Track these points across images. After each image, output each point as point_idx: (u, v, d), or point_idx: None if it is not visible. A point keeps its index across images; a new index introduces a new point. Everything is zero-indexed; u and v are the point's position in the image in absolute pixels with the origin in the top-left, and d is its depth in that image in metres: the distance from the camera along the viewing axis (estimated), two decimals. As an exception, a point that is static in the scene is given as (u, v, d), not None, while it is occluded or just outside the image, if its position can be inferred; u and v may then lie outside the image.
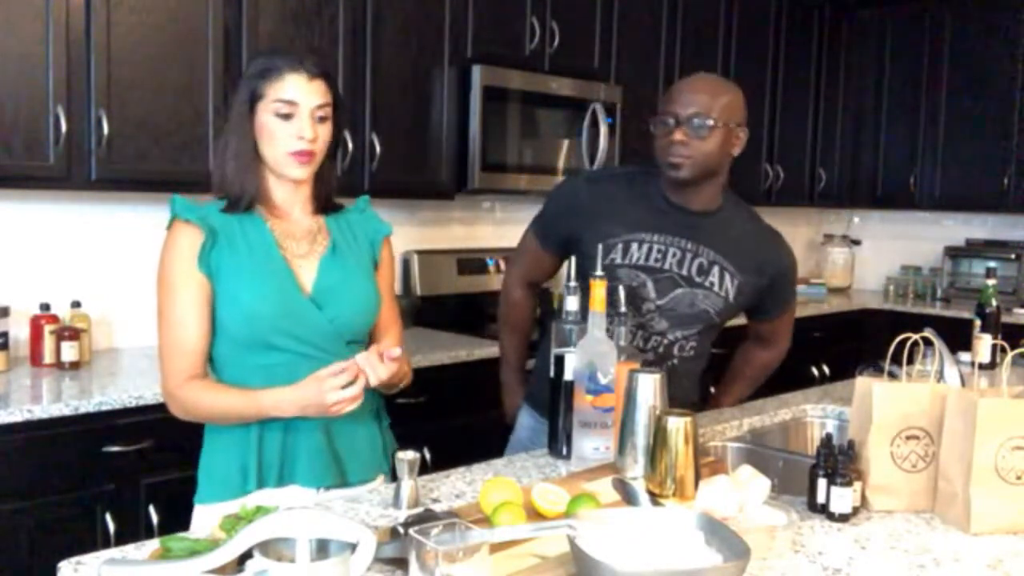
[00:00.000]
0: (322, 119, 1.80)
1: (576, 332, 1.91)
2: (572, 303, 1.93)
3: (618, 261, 2.12)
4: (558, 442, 1.93)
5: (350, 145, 3.21)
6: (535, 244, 2.32)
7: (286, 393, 1.71)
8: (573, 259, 1.99)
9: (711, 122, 2.04)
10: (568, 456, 1.91)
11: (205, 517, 1.78)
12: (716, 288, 2.15)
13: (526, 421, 2.33)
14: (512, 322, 2.43)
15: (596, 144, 3.90)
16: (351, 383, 1.68)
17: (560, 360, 1.91)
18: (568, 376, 1.90)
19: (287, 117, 1.76)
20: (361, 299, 1.86)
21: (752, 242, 2.21)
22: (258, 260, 1.77)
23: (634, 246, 2.13)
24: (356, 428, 1.86)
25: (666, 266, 2.13)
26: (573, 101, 3.85)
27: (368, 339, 1.91)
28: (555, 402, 1.93)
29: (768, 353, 2.48)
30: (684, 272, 2.13)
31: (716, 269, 2.14)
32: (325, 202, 1.90)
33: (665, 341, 2.17)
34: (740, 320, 2.40)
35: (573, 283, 1.93)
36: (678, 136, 2.05)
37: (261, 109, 1.77)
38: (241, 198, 1.79)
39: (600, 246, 2.00)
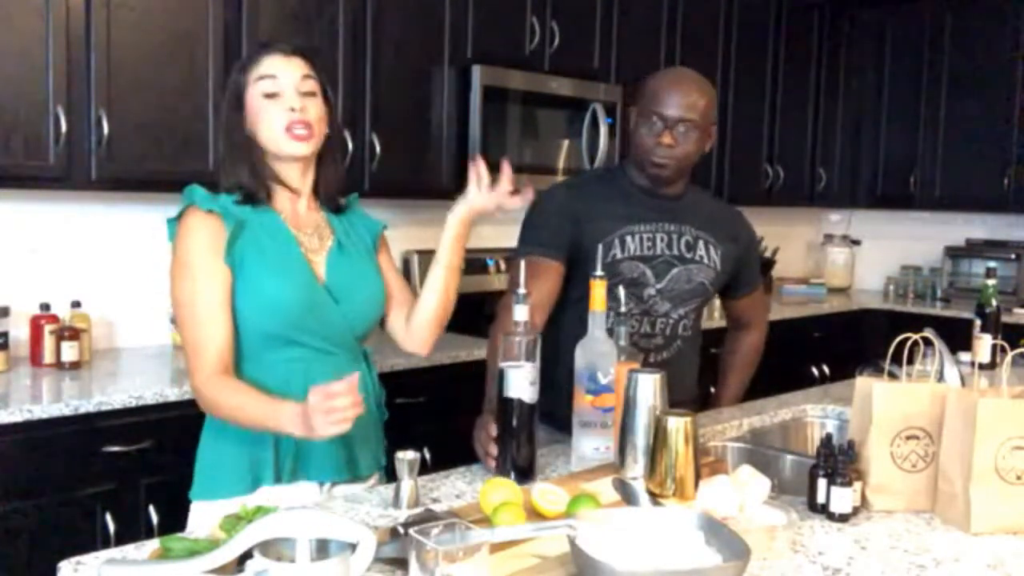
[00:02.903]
0: (308, 94, 1.78)
1: (525, 344, 1.72)
2: (521, 312, 1.73)
3: (619, 256, 2.18)
4: (506, 465, 1.74)
5: (350, 145, 3.20)
6: (543, 261, 2.14)
7: (299, 407, 1.59)
8: (523, 264, 1.85)
9: (697, 124, 2.15)
10: (514, 478, 1.71)
11: (205, 514, 1.76)
12: (706, 261, 2.27)
13: (539, 436, 2.30)
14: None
15: (596, 144, 3.90)
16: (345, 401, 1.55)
17: (503, 375, 1.73)
18: (511, 393, 1.72)
19: (273, 96, 1.75)
20: (371, 291, 1.89)
21: (721, 216, 2.37)
22: (281, 252, 1.77)
23: (628, 239, 2.20)
24: (364, 420, 1.86)
25: (658, 251, 2.22)
26: (573, 101, 3.85)
27: (381, 325, 1.96)
28: (506, 423, 1.74)
29: (752, 336, 2.59)
30: (675, 252, 2.23)
31: (701, 243, 2.27)
32: (330, 197, 1.90)
33: (671, 321, 2.25)
34: (723, 323, 2.63)
35: (522, 290, 1.75)
36: (667, 139, 2.14)
37: (249, 97, 1.77)
38: (259, 192, 1.79)
39: (600, 245, 2.02)
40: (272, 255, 1.76)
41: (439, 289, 1.88)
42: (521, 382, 1.72)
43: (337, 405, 1.51)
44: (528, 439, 1.75)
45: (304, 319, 1.76)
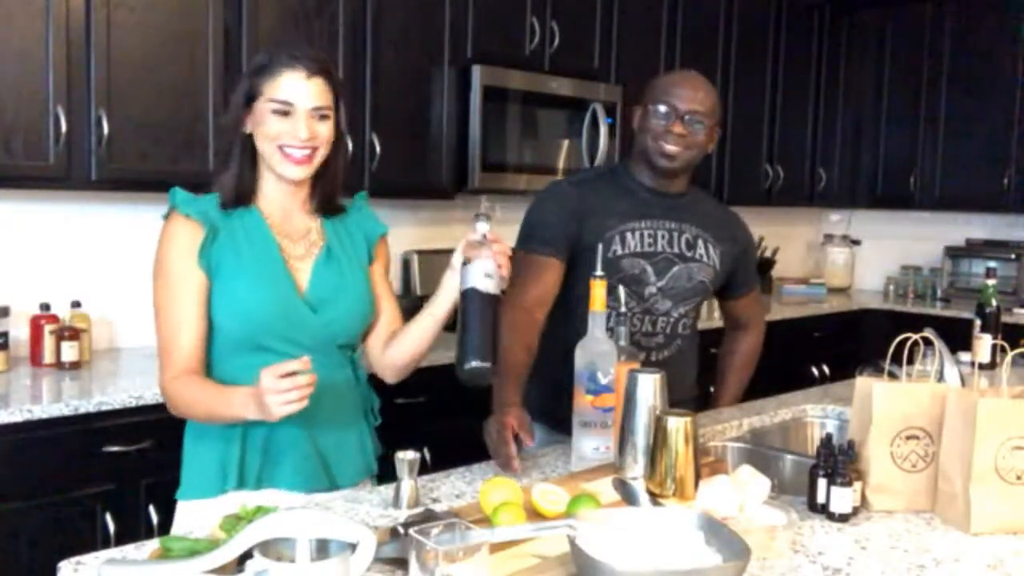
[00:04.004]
0: (323, 117, 1.75)
1: (486, 245, 1.68)
2: (483, 227, 1.70)
3: (619, 252, 2.19)
4: (463, 358, 1.61)
5: (350, 145, 3.20)
6: (544, 258, 2.15)
7: (251, 389, 1.58)
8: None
9: (705, 119, 2.19)
10: (472, 365, 1.62)
11: (186, 514, 1.77)
12: (705, 259, 2.29)
13: (539, 437, 2.31)
14: (528, 343, 2.07)
15: (596, 144, 3.90)
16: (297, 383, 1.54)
17: (465, 265, 1.68)
18: (468, 284, 1.65)
19: (283, 115, 1.72)
20: (356, 303, 1.85)
21: (721, 216, 2.41)
22: (259, 258, 1.76)
23: (629, 235, 2.21)
24: (343, 429, 1.84)
25: (659, 248, 2.23)
26: (573, 101, 3.85)
27: (362, 339, 1.92)
28: (463, 313, 1.65)
29: (750, 337, 2.61)
30: (676, 250, 2.25)
31: (701, 242, 2.28)
32: (326, 202, 1.86)
33: (671, 319, 2.26)
34: (720, 323, 2.66)
35: (485, 207, 1.74)
36: (678, 129, 2.17)
37: (258, 107, 1.73)
38: (238, 198, 1.77)
39: (600, 244, 2.01)
40: (249, 260, 1.75)
41: (426, 338, 1.85)
42: (478, 273, 1.65)
43: (298, 382, 1.52)
44: (485, 325, 1.62)
45: (276, 326, 1.74)
